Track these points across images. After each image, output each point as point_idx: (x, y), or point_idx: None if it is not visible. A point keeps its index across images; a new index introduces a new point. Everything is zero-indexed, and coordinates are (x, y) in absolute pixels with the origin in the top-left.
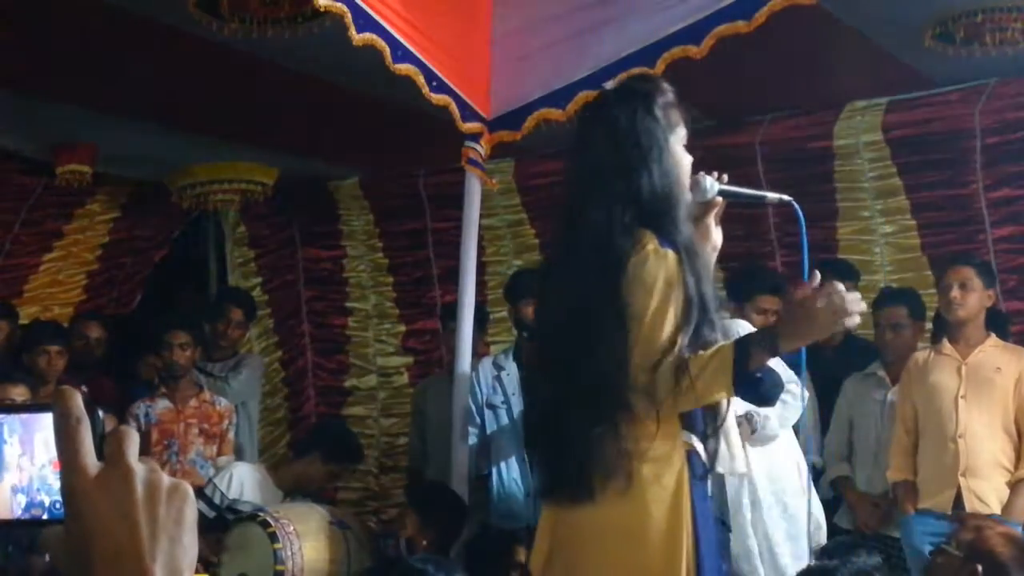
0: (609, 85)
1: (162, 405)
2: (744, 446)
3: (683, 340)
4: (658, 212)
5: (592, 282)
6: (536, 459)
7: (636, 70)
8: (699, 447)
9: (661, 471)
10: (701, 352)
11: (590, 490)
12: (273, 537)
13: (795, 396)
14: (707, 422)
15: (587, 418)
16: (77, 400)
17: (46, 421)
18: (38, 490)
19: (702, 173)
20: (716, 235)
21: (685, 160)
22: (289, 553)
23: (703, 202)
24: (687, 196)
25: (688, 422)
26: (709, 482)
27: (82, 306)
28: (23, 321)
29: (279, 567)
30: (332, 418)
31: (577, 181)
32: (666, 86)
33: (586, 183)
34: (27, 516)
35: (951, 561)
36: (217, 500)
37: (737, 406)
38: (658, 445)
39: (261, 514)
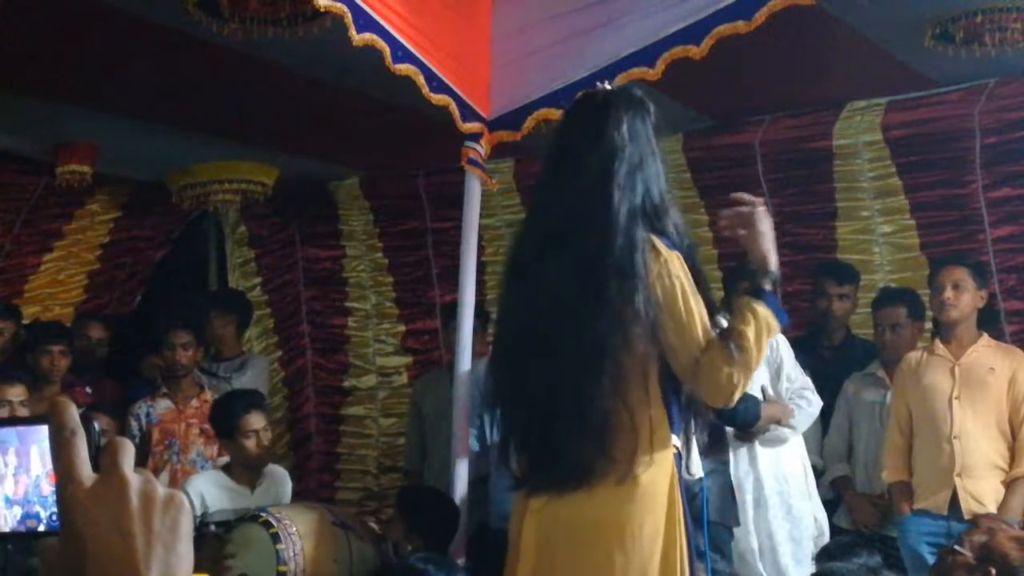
0: (609, 86)
1: (163, 405)
2: (755, 446)
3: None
4: (660, 214)
5: (610, 267)
6: (522, 449)
7: (637, 70)
8: (680, 447)
9: (658, 470)
10: (732, 323)
11: (590, 477)
12: (276, 538)
13: (809, 402)
14: (684, 425)
15: (600, 396)
16: (72, 412)
17: (42, 433)
18: (34, 502)
19: None
20: None
21: None
22: (292, 554)
23: None
24: None
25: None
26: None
27: (82, 306)
28: (24, 321)
29: (282, 568)
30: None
31: (596, 168)
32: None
33: (603, 171)
34: (23, 528)
35: (963, 563)
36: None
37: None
38: (657, 444)
39: (263, 515)
